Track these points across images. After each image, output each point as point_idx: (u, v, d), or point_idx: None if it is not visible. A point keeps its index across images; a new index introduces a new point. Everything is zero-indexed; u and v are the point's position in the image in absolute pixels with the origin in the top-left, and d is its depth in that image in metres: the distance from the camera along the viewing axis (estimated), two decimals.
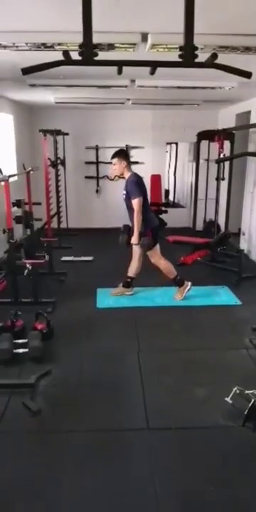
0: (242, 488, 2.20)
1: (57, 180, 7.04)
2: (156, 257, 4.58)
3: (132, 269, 4.72)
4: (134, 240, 4.35)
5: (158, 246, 4.57)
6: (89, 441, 2.53)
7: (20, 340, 3.46)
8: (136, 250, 4.59)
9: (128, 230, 4.51)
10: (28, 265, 4.30)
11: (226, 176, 6.18)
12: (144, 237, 4.37)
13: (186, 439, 2.55)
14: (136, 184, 4.33)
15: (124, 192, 4.45)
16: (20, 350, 3.37)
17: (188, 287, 4.66)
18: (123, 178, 4.54)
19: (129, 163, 4.50)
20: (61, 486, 2.19)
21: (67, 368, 3.31)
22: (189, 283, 4.68)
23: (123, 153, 4.58)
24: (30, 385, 2.98)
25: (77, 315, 4.35)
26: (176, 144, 9.59)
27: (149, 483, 2.20)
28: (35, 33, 2.75)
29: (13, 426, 2.66)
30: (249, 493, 2.17)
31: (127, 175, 4.43)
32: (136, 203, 4.26)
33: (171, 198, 9.95)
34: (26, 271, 4.30)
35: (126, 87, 4.77)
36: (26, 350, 3.36)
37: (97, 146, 8.11)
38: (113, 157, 4.48)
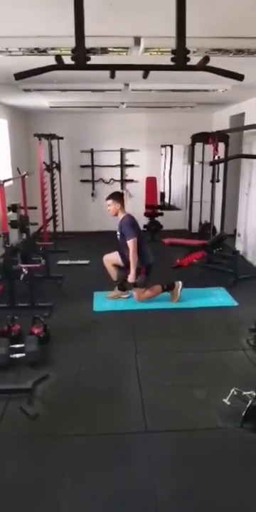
0: (241, 490, 2.20)
1: (52, 185, 7.04)
2: (140, 294, 4.65)
3: (112, 275, 4.83)
4: (131, 278, 4.45)
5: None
6: (88, 445, 2.52)
7: (17, 345, 3.45)
8: (107, 258, 4.80)
9: (123, 255, 4.61)
10: (24, 269, 4.30)
11: (221, 177, 6.21)
12: (140, 274, 4.48)
13: (184, 441, 2.55)
14: (130, 226, 4.47)
15: (118, 233, 4.58)
16: (17, 355, 3.36)
17: (180, 287, 4.67)
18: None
19: (123, 205, 4.63)
20: (60, 490, 2.18)
21: (64, 372, 3.30)
22: (179, 282, 4.69)
23: (117, 196, 4.71)
24: (28, 390, 2.97)
25: (74, 319, 4.35)
26: (171, 146, 9.61)
27: (148, 485, 2.19)
28: (28, 38, 2.75)
29: (10, 431, 2.66)
30: (248, 495, 2.17)
31: (121, 216, 4.57)
32: (131, 243, 4.38)
33: (166, 200, 9.96)
34: (22, 275, 4.29)
35: (120, 90, 4.78)
36: (23, 355, 3.35)
37: (92, 149, 8.12)
38: (108, 198, 4.64)
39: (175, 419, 2.74)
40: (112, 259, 4.78)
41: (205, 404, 2.89)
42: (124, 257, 4.56)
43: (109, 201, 4.60)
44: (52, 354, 3.58)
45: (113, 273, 4.82)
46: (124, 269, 4.66)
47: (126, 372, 3.33)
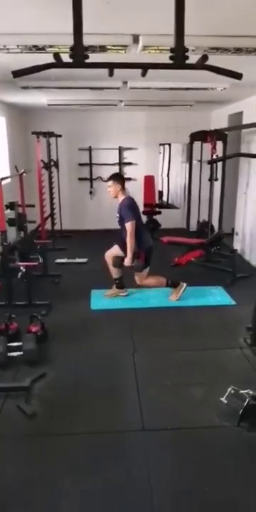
0: (238, 488, 2.21)
1: (50, 182, 7.02)
2: (142, 279, 4.64)
3: (112, 271, 4.77)
4: (127, 261, 4.40)
5: (147, 269, 4.61)
6: (85, 444, 2.52)
7: (14, 344, 3.44)
8: (108, 254, 4.74)
9: (122, 242, 4.55)
10: (21, 268, 4.28)
11: (219, 176, 6.21)
12: (137, 259, 4.42)
13: (182, 440, 2.56)
14: (129, 208, 4.40)
15: (118, 215, 4.51)
16: (15, 354, 3.35)
17: (183, 288, 4.67)
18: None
19: (124, 187, 4.57)
20: (58, 489, 2.18)
21: (62, 371, 3.30)
22: (184, 284, 4.69)
23: (118, 177, 4.67)
24: (25, 388, 2.97)
25: (72, 317, 4.34)
26: (169, 145, 9.61)
27: (146, 484, 2.20)
28: (27, 35, 2.75)
29: (8, 429, 2.65)
30: (245, 493, 2.18)
31: (121, 198, 4.50)
32: (129, 226, 4.32)
33: (164, 198, 9.96)
34: (20, 273, 4.28)
35: (118, 88, 4.77)
36: (21, 353, 3.35)
37: (90, 147, 8.11)
38: (108, 180, 4.57)
39: (172, 418, 2.74)
40: (112, 253, 4.73)
41: (202, 402, 2.90)
42: (123, 241, 4.48)
43: (110, 182, 4.53)
44: (50, 352, 3.57)
45: (114, 271, 4.79)
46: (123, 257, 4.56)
47: (123, 370, 3.33)
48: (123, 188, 4.53)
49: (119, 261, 4.55)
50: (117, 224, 4.61)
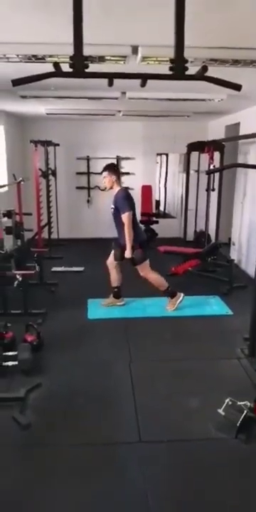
0: (237, 501, 2.18)
1: (48, 191, 7.02)
2: (146, 271, 4.58)
3: (112, 279, 4.73)
4: (127, 253, 4.36)
5: (147, 260, 4.58)
6: (80, 455, 2.49)
7: (9, 353, 3.40)
8: (110, 260, 4.64)
9: (119, 245, 4.51)
10: (18, 276, 4.25)
11: (216, 186, 6.24)
12: (137, 250, 4.38)
13: (179, 452, 2.52)
14: (125, 199, 4.36)
15: (113, 206, 4.46)
16: (10, 363, 3.31)
17: (181, 299, 4.66)
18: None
19: (119, 178, 4.53)
20: (50, 501, 2.14)
21: (57, 381, 3.27)
22: (181, 294, 4.67)
23: (113, 167, 4.61)
24: (20, 399, 2.93)
25: (68, 326, 4.31)
26: (167, 154, 9.67)
27: (142, 497, 2.16)
28: (26, 45, 2.76)
29: (2, 440, 2.61)
30: (244, 506, 2.15)
31: (116, 189, 4.45)
32: (126, 217, 4.29)
33: (161, 208, 9.99)
34: (16, 282, 4.25)
35: (117, 98, 4.80)
36: (16, 362, 3.31)
37: (88, 156, 8.13)
38: (103, 170, 4.51)
39: (169, 430, 2.71)
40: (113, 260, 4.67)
41: (199, 414, 2.87)
42: (120, 234, 4.44)
43: (105, 173, 4.46)
44: (46, 362, 3.54)
45: (114, 279, 4.73)
46: (119, 247, 4.52)
47: (120, 381, 3.29)
48: (118, 179, 4.48)
49: (119, 253, 4.48)
50: (113, 221, 4.54)
